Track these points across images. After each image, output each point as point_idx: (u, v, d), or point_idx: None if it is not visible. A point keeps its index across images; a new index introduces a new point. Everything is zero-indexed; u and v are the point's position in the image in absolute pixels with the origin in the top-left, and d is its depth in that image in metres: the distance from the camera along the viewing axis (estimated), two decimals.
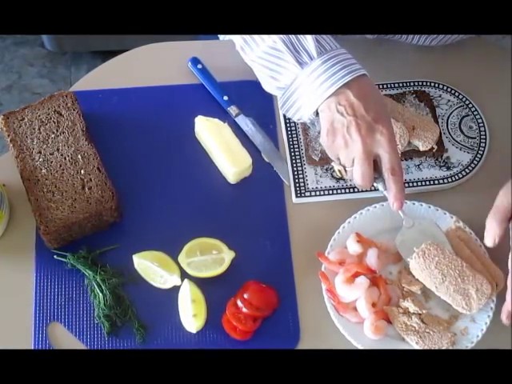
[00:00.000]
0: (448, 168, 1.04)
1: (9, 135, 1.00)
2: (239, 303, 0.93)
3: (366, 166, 0.91)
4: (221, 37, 1.24)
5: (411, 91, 1.09)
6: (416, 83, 1.11)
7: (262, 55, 0.97)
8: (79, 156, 0.99)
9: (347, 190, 1.03)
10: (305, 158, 1.05)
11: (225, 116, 1.07)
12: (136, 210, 1.01)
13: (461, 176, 1.04)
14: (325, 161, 1.04)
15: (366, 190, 1.02)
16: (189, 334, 0.93)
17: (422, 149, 1.04)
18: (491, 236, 0.90)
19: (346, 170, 0.95)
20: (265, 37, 0.95)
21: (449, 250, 0.94)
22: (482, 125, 1.07)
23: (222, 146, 1.02)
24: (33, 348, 0.92)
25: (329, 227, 0.98)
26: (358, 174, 0.92)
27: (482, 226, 0.91)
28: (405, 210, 0.96)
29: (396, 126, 1.02)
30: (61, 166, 0.98)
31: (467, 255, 0.95)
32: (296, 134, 1.07)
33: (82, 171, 0.98)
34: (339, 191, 1.03)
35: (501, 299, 0.93)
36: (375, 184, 0.95)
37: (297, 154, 1.05)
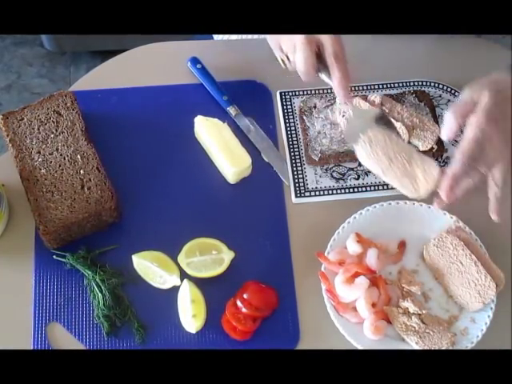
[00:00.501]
0: None
1: (8, 135, 1.00)
2: (239, 303, 0.93)
3: (307, 51, 0.90)
4: (215, 37, 1.24)
5: (411, 91, 1.09)
6: (416, 83, 1.11)
7: None
8: (78, 156, 0.99)
9: (347, 190, 1.03)
10: (304, 158, 1.05)
11: (224, 116, 1.07)
12: (135, 209, 1.01)
13: None
14: (325, 161, 1.03)
15: (366, 191, 1.02)
16: (188, 335, 0.93)
17: (421, 149, 1.04)
18: (447, 129, 0.87)
19: (289, 60, 0.93)
20: None
21: (396, 136, 0.93)
22: None
23: (222, 146, 1.02)
24: (32, 348, 0.92)
25: (328, 227, 0.98)
26: (300, 59, 0.91)
27: (482, 226, 0.91)
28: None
29: (396, 126, 1.02)
30: (60, 165, 0.98)
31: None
32: (296, 134, 1.07)
33: (82, 171, 0.98)
34: (339, 191, 1.03)
35: (501, 299, 0.93)
36: (319, 74, 0.94)
37: (296, 153, 1.05)
